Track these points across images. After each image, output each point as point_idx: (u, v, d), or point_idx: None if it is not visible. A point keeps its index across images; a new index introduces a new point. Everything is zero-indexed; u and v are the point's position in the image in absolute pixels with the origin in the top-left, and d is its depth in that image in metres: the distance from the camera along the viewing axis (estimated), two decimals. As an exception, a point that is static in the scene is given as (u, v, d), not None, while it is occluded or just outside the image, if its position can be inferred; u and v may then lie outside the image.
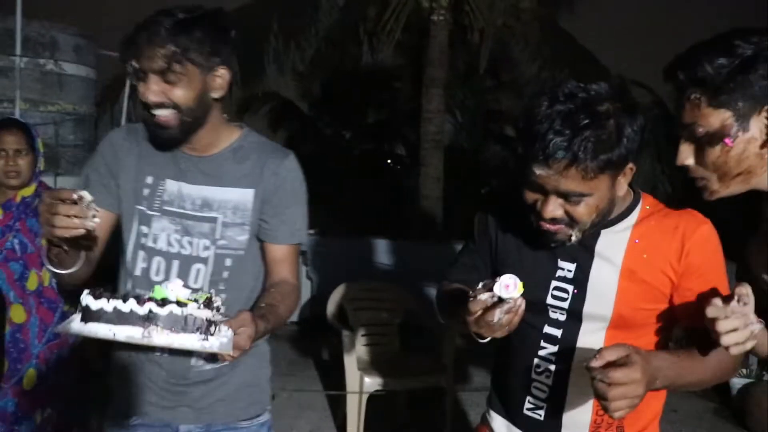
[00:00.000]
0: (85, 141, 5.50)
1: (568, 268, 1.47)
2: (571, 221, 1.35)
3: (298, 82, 12.24)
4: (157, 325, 1.29)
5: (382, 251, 6.38)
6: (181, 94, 1.53)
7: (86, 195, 1.29)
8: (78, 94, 5.51)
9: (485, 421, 1.69)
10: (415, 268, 5.73)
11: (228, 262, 1.68)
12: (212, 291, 1.55)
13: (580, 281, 1.45)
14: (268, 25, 7.80)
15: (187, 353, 1.60)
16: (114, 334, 1.30)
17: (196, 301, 1.36)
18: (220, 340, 1.33)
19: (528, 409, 1.54)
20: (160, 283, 1.53)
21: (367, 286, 4.40)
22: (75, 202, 1.28)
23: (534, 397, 1.53)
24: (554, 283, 1.49)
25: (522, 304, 1.26)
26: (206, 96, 1.58)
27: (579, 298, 1.45)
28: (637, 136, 1.30)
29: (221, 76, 1.60)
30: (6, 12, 5.11)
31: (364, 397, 3.66)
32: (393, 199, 10.73)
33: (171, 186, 1.67)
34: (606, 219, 1.41)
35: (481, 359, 5.12)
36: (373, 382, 3.68)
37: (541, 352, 1.50)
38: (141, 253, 1.68)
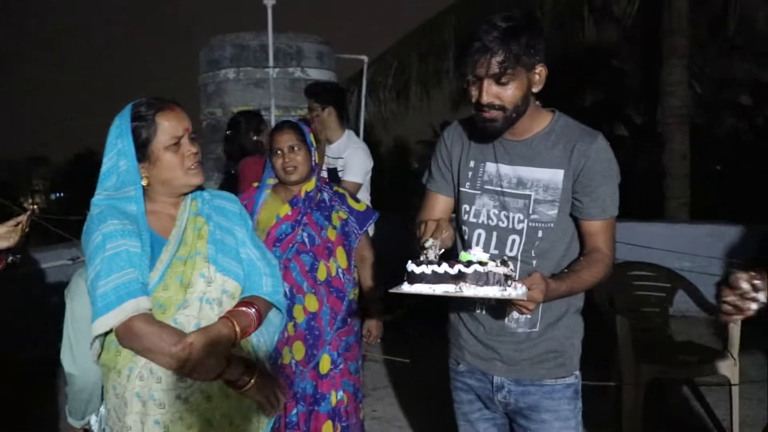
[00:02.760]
0: (331, 140, 5.78)
1: None
2: None
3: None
4: (465, 282, 1.56)
5: (636, 233, 6.05)
6: (510, 94, 1.78)
7: None
8: (322, 97, 5.81)
9: None
10: (672, 249, 5.36)
11: (539, 233, 1.91)
12: (506, 256, 1.87)
13: None
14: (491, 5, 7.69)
15: (501, 314, 1.93)
16: (433, 291, 1.57)
17: (493, 261, 1.61)
18: (516, 291, 1.58)
19: None
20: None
21: (634, 269, 4.14)
22: None
23: None
24: None
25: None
26: (529, 92, 1.83)
27: None
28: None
29: (539, 73, 1.83)
30: (259, 29, 5.56)
31: (642, 387, 3.44)
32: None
33: (490, 167, 1.96)
34: None
35: (759, 349, 4.64)
36: (651, 370, 3.45)
37: None
38: (464, 229, 2.01)
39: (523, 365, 1.95)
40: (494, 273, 1.56)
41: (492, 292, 1.57)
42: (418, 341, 4.87)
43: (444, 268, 1.58)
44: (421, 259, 1.62)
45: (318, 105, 4.23)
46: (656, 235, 5.96)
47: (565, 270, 1.86)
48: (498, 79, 1.75)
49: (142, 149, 1.78)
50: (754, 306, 1.35)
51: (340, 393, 2.72)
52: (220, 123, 5.55)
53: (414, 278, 1.59)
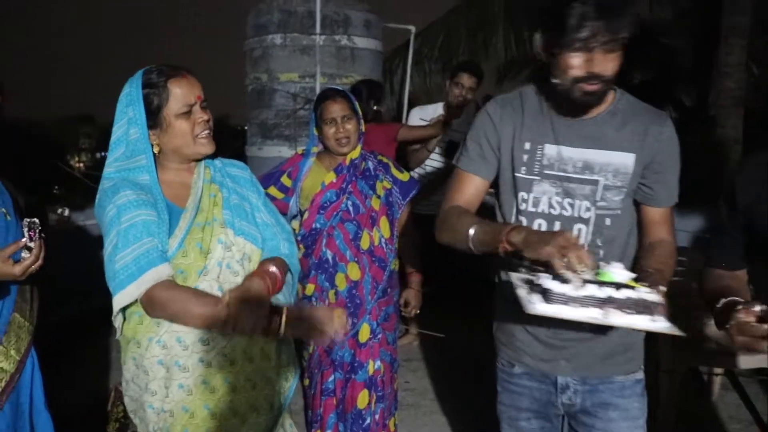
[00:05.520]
0: (373, 110, 5.76)
1: None
2: None
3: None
4: (613, 307, 1.38)
5: (687, 219, 5.92)
6: (612, 66, 1.62)
7: None
8: (368, 66, 5.77)
9: None
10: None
11: (607, 221, 1.77)
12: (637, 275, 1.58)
13: None
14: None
15: None
16: (576, 316, 1.40)
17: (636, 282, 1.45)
18: (667, 323, 1.39)
19: None
20: None
21: (684, 255, 4.04)
22: None
23: None
24: None
25: None
26: None
27: None
28: None
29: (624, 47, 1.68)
30: (307, -5, 5.52)
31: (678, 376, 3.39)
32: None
33: (550, 150, 1.76)
34: None
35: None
36: (687, 358, 3.40)
37: None
38: (521, 219, 1.80)
39: (592, 363, 1.82)
40: (645, 300, 1.39)
41: (642, 323, 1.39)
42: (451, 316, 4.87)
43: (591, 290, 1.40)
44: (561, 276, 1.43)
45: (476, 80, 4.52)
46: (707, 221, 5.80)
47: (650, 270, 1.68)
48: (609, 49, 1.58)
49: (153, 116, 1.75)
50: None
51: (378, 362, 2.73)
52: (265, 89, 5.56)
53: (552, 298, 1.42)
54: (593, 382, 1.83)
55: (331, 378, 2.69)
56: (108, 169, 1.78)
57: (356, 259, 2.67)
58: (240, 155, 5.39)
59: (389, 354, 2.77)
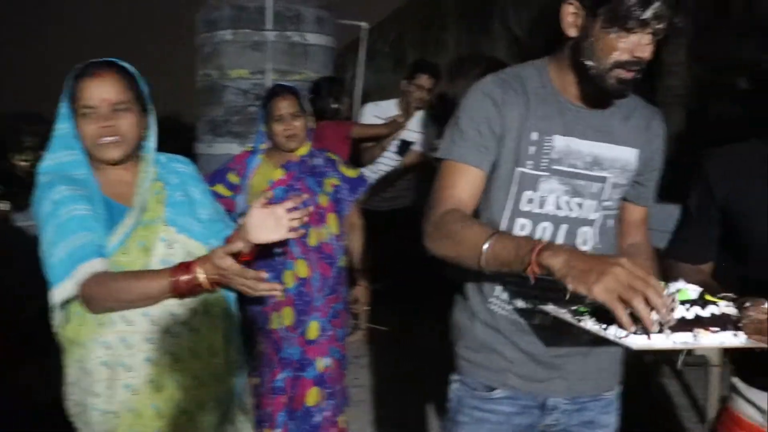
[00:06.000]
0: (325, 107, 5.74)
1: None
2: None
3: (516, 44, 11.97)
4: (702, 328, 1.22)
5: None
6: (652, 51, 1.44)
7: None
8: (320, 62, 5.75)
9: (733, 403, 1.56)
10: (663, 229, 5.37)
11: (609, 222, 1.64)
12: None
13: None
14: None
15: (564, 324, 1.35)
16: (674, 343, 1.20)
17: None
18: (744, 336, 1.27)
19: None
20: None
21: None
22: None
23: None
24: None
25: None
26: None
27: None
28: None
29: None
30: (258, -9, 5.48)
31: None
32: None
33: (559, 142, 1.53)
34: None
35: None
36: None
37: None
38: (520, 221, 1.56)
39: (586, 379, 1.63)
40: (728, 315, 1.26)
41: (729, 339, 1.25)
42: (403, 312, 4.90)
43: (680, 311, 1.22)
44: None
45: (434, 81, 4.49)
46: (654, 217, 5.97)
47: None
48: (662, 33, 1.41)
49: (74, 114, 1.72)
50: None
51: (327, 359, 2.73)
52: (215, 85, 5.50)
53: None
54: (583, 400, 1.64)
55: (281, 376, 2.68)
56: (45, 163, 1.74)
57: (304, 256, 2.67)
58: (189, 152, 5.33)
59: (338, 351, 2.78)
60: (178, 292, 1.62)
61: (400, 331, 4.70)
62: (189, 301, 1.72)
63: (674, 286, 1.25)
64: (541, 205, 1.55)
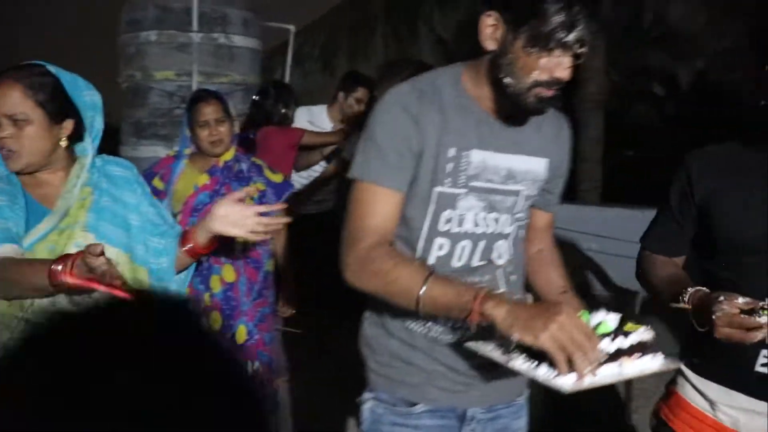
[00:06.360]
0: (252, 110, 5.73)
1: None
2: None
3: (442, 47, 12.19)
4: (625, 357, 1.29)
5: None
6: (571, 72, 1.41)
7: None
8: (246, 65, 5.71)
9: (680, 388, 1.68)
10: (583, 231, 5.60)
11: (521, 233, 1.64)
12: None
13: None
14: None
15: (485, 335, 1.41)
16: (604, 379, 1.25)
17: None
18: (662, 358, 1.35)
19: (763, 365, 1.48)
20: (463, 268, 1.53)
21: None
22: None
23: None
24: None
25: None
26: None
27: None
28: None
29: None
30: (184, -9, 5.41)
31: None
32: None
33: (476, 157, 1.48)
34: None
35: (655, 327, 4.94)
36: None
37: None
38: (438, 240, 1.52)
39: (501, 387, 1.62)
40: (645, 341, 1.32)
41: (649, 365, 1.32)
42: (332, 315, 4.92)
43: (603, 344, 1.25)
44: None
45: (368, 93, 4.33)
46: (567, 217, 6.19)
47: (566, 291, 1.65)
48: (582, 54, 1.38)
49: None
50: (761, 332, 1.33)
51: (256, 364, 2.75)
52: (140, 87, 5.40)
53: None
54: (498, 407, 1.66)
55: (208, 380, 2.69)
56: None
57: (231, 260, 2.68)
58: (114, 155, 5.20)
59: (267, 355, 2.80)
60: (54, 283, 1.51)
61: (324, 335, 4.72)
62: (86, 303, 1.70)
63: (595, 318, 1.31)
64: (460, 224, 1.51)
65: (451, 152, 1.46)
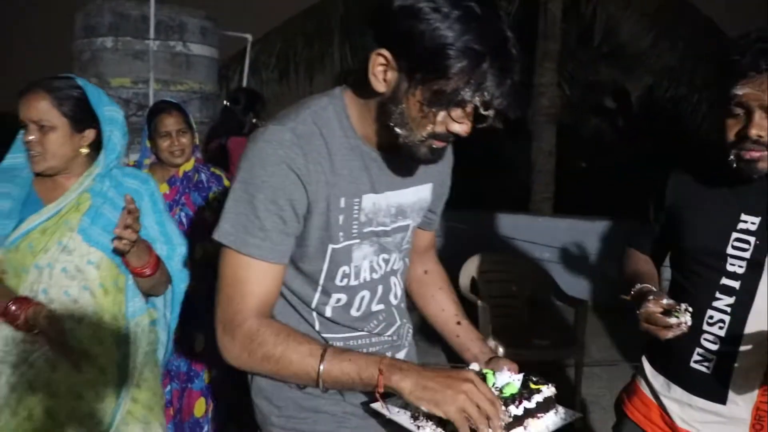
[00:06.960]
0: (210, 118, 5.72)
1: (752, 221, 1.52)
2: None
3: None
4: (531, 418, 1.27)
5: (503, 224, 6.41)
6: (469, 128, 1.27)
7: None
8: (203, 73, 5.72)
9: (637, 377, 1.81)
10: (535, 241, 5.75)
11: (407, 261, 1.56)
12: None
13: (765, 233, 1.50)
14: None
15: None
16: None
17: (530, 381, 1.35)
18: (564, 411, 1.34)
19: (696, 362, 1.61)
20: (362, 316, 1.43)
21: (499, 258, 4.44)
22: None
23: (704, 348, 1.59)
24: (735, 235, 1.54)
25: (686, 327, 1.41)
26: None
27: (762, 249, 1.50)
28: None
29: None
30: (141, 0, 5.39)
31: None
32: (490, 174, 10.66)
33: (367, 202, 1.35)
34: None
35: (604, 335, 5.10)
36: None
37: (716, 303, 1.57)
38: (336, 296, 1.39)
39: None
40: (549, 397, 1.32)
41: (553, 420, 1.31)
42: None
43: (510, 409, 1.23)
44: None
45: None
46: (521, 227, 6.36)
47: (463, 321, 1.62)
48: (484, 117, 1.21)
49: None
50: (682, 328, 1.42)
51: (214, 371, 2.77)
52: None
53: None
54: None
55: (168, 388, 2.69)
56: (5, 161, 1.86)
57: (191, 270, 2.69)
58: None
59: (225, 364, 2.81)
60: (6, 319, 1.73)
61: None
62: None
63: (501, 379, 1.30)
64: (357, 276, 1.39)
65: (342, 203, 1.31)
